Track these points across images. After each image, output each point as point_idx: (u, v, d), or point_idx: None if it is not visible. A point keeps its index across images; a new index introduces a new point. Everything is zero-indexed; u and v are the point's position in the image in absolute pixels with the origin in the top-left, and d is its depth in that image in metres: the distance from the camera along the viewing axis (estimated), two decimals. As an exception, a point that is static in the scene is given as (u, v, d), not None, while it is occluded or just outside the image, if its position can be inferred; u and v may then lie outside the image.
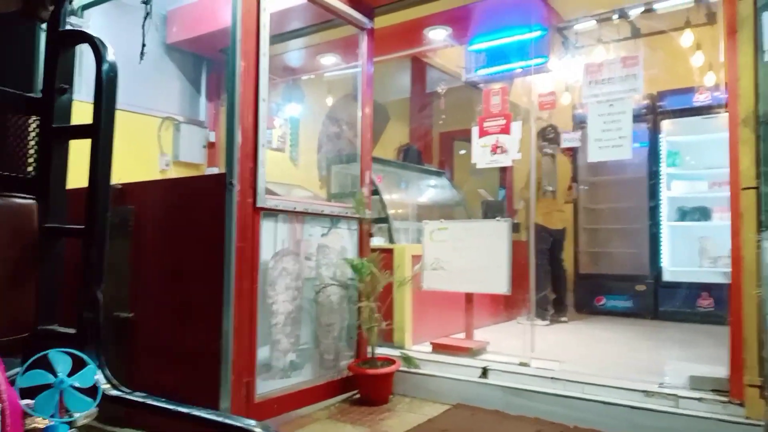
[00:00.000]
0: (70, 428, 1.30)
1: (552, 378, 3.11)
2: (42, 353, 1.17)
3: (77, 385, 1.19)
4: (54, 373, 1.18)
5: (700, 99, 5.70)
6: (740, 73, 2.66)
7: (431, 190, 6.24)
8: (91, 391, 1.21)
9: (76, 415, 1.18)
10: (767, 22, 2.58)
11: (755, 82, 2.61)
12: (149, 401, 1.19)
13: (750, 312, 2.59)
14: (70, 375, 1.19)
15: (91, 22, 3.94)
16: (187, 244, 2.85)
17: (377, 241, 4.43)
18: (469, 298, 3.99)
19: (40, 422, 1.17)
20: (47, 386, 1.16)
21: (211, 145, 5.62)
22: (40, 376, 1.16)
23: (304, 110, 6.64)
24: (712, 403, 2.68)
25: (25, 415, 1.14)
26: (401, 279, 3.81)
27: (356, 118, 3.82)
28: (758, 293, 2.53)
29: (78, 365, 1.23)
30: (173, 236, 2.90)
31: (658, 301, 5.81)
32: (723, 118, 2.82)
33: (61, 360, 1.19)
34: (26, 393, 1.14)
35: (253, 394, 2.79)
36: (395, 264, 3.95)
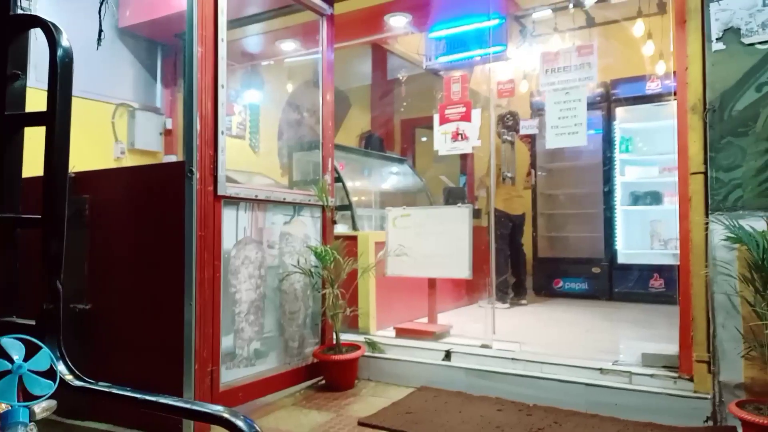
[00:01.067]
0: (30, 420, 1.28)
1: (512, 359, 3.20)
2: None
3: (34, 369, 1.17)
4: (10, 360, 1.16)
5: (651, 87, 5.88)
6: (689, 62, 2.76)
7: (394, 177, 6.27)
8: (50, 376, 1.19)
9: (38, 397, 1.17)
10: (714, 12, 2.69)
11: (703, 71, 2.71)
12: (114, 390, 1.18)
13: (698, 291, 2.72)
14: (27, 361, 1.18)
15: (39, 6, 3.78)
16: (146, 234, 2.79)
17: (341, 229, 4.43)
18: (431, 283, 4.05)
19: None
20: (6, 373, 1.13)
21: (168, 133, 5.48)
22: None
23: (264, 97, 6.55)
24: (663, 379, 2.80)
25: None
26: (365, 266, 3.83)
27: (317, 104, 3.80)
28: (706, 273, 2.66)
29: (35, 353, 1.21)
30: (131, 226, 2.84)
31: (612, 283, 6.02)
32: (673, 105, 2.93)
33: (14, 346, 1.18)
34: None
35: (217, 383, 2.77)
36: (359, 251, 3.97)
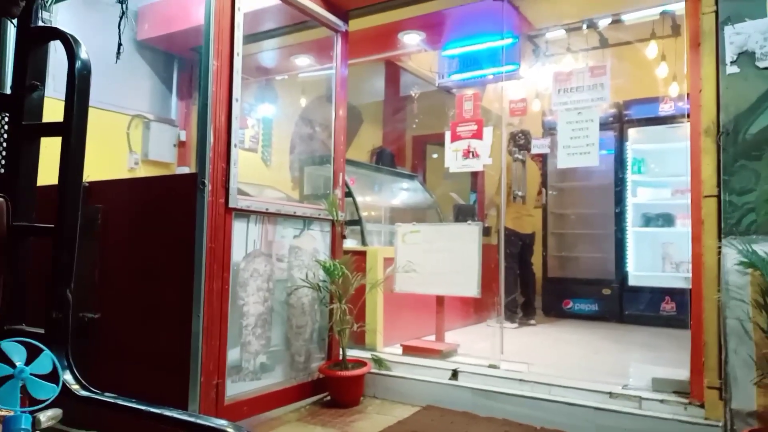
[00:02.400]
0: (35, 428, 1.28)
1: (520, 380, 3.16)
2: None
3: (37, 373, 1.17)
4: (12, 365, 1.16)
5: (664, 109, 5.87)
6: (703, 85, 2.75)
7: (404, 193, 6.28)
8: (54, 380, 1.19)
9: (41, 402, 1.17)
10: (728, 36, 2.68)
11: (717, 94, 2.70)
12: (120, 402, 1.18)
13: (710, 316, 2.68)
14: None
15: (59, 18, 3.86)
16: (157, 244, 2.81)
17: (350, 243, 4.43)
18: (440, 300, 4.02)
19: (2, 412, 1.15)
20: (8, 378, 1.13)
21: (181, 144, 5.54)
22: None
23: (277, 111, 6.60)
24: (673, 405, 2.75)
25: None
26: (373, 281, 3.82)
27: (330, 119, 3.82)
28: (718, 298, 2.62)
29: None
30: (142, 236, 2.86)
31: (623, 305, 5.95)
32: (686, 127, 2.91)
33: (15, 351, 1.17)
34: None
35: (222, 396, 2.76)
36: (368, 266, 3.96)
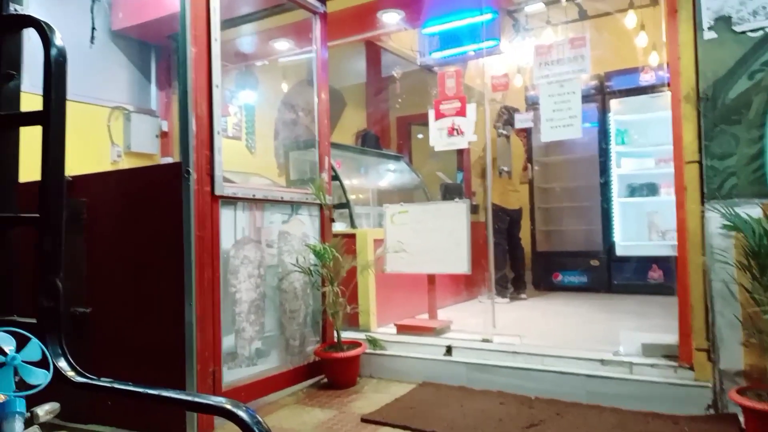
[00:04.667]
0: (34, 422, 1.28)
1: (513, 352, 3.21)
2: None
3: (28, 360, 1.18)
4: (3, 353, 1.17)
5: (645, 78, 5.89)
6: (681, 52, 2.77)
7: (390, 174, 6.28)
8: (44, 367, 1.21)
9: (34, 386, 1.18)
10: (705, 1, 2.69)
11: (695, 60, 2.72)
12: (117, 385, 1.18)
13: (696, 280, 2.73)
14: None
15: (31, 10, 3.78)
16: (145, 236, 2.79)
17: (339, 227, 4.44)
18: (431, 279, 4.05)
19: None
20: (0, 366, 1.15)
21: (164, 135, 5.48)
22: None
23: (259, 97, 6.55)
24: (663, 368, 2.81)
25: None
26: (364, 263, 3.83)
27: (312, 103, 3.80)
28: (703, 261, 2.67)
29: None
30: (129, 228, 2.84)
31: (611, 275, 6.03)
32: (667, 96, 2.94)
33: (5, 339, 1.19)
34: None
35: (219, 383, 2.78)
36: (358, 248, 3.98)
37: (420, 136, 8.03)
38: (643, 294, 5.62)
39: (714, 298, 2.62)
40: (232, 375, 2.90)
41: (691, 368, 2.73)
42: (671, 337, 2.92)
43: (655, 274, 5.72)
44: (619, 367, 2.91)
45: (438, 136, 3.91)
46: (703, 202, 2.68)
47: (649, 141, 6.06)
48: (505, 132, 5.59)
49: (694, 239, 2.72)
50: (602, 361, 2.96)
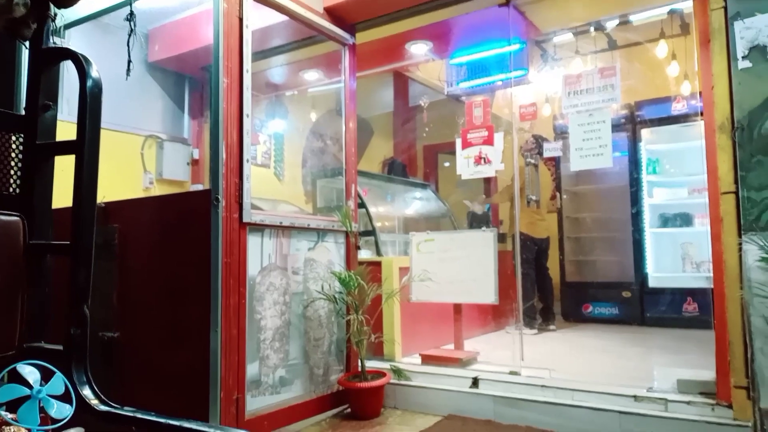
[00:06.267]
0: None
1: (542, 386, 3.12)
2: (10, 367, 1.18)
3: (52, 393, 1.19)
4: (29, 386, 1.18)
5: (677, 108, 5.81)
6: (715, 81, 2.73)
7: (417, 202, 6.27)
8: (68, 400, 1.21)
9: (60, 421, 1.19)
10: (739, 31, 2.65)
11: (729, 90, 2.67)
12: (139, 415, 1.18)
13: (734, 314, 2.63)
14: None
15: (72, 43, 3.93)
16: (174, 262, 2.83)
17: (364, 254, 4.43)
18: (457, 308, 4.00)
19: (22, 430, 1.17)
20: (26, 399, 1.16)
21: (194, 162, 5.59)
22: (15, 390, 1.16)
23: (288, 126, 6.64)
24: (700, 406, 2.70)
25: (6, 424, 1.15)
26: (389, 291, 3.80)
27: (340, 132, 3.84)
28: (741, 296, 2.57)
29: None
30: (159, 254, 2.88)
31: (644, 307, 5.86)
32: (700, 125, 2.88)
33: (30, 373, 1.20)
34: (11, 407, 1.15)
35: (243, 411, 2.76)
36: (383, 276, 3.95)
37: (447, 164, 8.03)
38: (677, 327, 5.44)
39: (753, 334, 2.51)
40: (255, 403, 2.88)
41: (730, 406, 2.61)
42: (708, 374, 2.81)
43: (690, 307, 5.54)
44: (653, 403, 2.81)
45: (465, 165, 3.90)
46: (740, 234, 2.60)
47: (681, 170, 5.95)
48: (533, 161, 5.56)
49: (732, 272, 2.63)
50: (635, 397, 2.85)
